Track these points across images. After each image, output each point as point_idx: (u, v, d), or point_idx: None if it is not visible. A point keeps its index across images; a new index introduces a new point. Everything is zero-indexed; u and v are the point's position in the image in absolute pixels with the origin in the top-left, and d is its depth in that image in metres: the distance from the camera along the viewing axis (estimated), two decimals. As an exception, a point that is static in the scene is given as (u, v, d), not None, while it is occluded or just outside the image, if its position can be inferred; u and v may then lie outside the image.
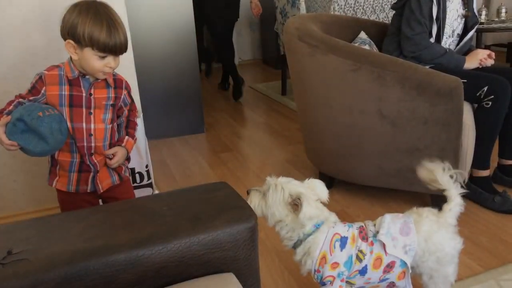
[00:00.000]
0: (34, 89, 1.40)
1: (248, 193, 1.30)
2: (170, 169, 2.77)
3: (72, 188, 1.50)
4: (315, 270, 1.25)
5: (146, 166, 2.04)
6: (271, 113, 3.86)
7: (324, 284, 1.25)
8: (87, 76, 1.42)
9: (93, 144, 1.47)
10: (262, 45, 6.30)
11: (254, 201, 1.27)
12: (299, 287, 1.60)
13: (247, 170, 2.68)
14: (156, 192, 2.18)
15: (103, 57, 1.35)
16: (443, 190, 1.27)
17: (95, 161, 1.49)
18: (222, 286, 0.92)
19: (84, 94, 1.43)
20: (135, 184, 2.03)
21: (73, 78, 1.40)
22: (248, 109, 4.05)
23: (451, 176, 1.25)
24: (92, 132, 1.46)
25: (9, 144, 1.31)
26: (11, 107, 1.36)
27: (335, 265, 1.22)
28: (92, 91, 1.44)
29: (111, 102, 1.48)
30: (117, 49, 1.35)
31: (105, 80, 1.46)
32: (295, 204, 1.23)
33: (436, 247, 1.23)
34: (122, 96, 1.52)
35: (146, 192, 2.06)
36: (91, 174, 1.51)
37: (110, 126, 1.50)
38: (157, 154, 3.04)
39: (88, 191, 1.52)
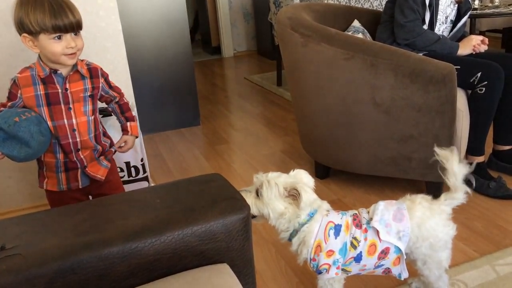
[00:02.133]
0: (11, 95, 1.39)
1: None
2: (166, 162, 2.77)
3: (64, 187, 1.50)
4: (311, 259, 1.26)
5: (141, 160, 2.04)
6: (267, 104, 3.85)
7: (320, 272, 1.25)
8: (59, 71, 1.39)
9: (78, 139, 1.45)
10: (256, 36, 6.27)
11: (249, 202, 1.25)
12: (296, 276, 1.61)
13: (243, 162, 2.68)
14: (152, 185, 2.18)
15: (59, 38, 1.32)
16: (448, 179, 1.25)
17: (81, 156, 1.48)
18: (216, 276, 0.92)
19: (59, 90, 1.40)
20: (131, 178, 2.03)
21: (45, 75, 1.38)
22: (244, 101, 4.04)
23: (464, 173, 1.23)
24: (75, 127, 1.44)
25: None
26: None
27: (330, 252, 1.23)
28: (67, 86, 1.41)
29: (89, 93, 1.46)
30: (68, 26, 1.32)
31: (79, 72, 1.43)
32: (292, 195, 1.24)
33: (429, 233, 1.23)
34: (100, 85, 1.49)
35: (142, 185, 2.06)
36: (79, 170, 1.50)
37: (93, 117, 1.48)
38: (153, 147, 3.04)
39: (81, 186, 1.52)
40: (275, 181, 1.24)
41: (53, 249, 0.86)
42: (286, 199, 1.25)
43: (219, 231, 0.96)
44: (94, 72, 1.48)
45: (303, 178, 1.29)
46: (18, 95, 1.38)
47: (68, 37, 1.34)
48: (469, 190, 1.26)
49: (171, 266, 0.93)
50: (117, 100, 1.59)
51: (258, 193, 1.26)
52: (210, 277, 0.91)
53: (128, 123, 1.62)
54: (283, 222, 1.27)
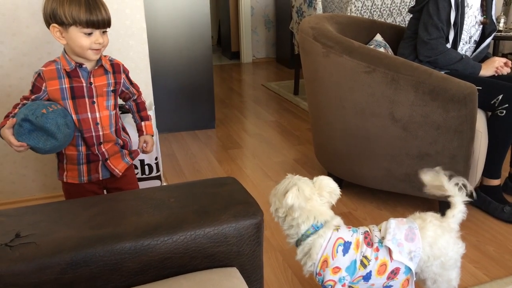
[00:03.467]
0: (35, 88, 1.40)
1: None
2: (179, 163, 2.78)
3: (85, 179, 1.52)
4: (316, 273, 1.25)
5: (156, 159, 2.05)
6: (282, 112, 3.85)
7: (325, 287, 1.24)
8: (84, 66, 1.42)
9: (101, 133, 1.48)
10: (276, 44, 6.30)
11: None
12: (302, 286, 1.60)
13: (255, 167, 2.68)
14: (165, 184, 2.19)
15: (89, 34, 1.35)
16: (448, 196, 1.27)
17: (103, 150, 1.50)
18: (226, 279, 0.92)
19: (84, 84, 1.43)
20: (144, 176, 2.04)
21: (71, 69, 1.40)
22: (259, 107, 4.05)
23: (457, 184, 1.25)
24: (98, 120, 1.47)
25: (18, 145, 1.32)
26: (16, 110, 1.37)
27: (337, 269, 1.22)
28: (92, 80, 1.44)
29: (111, 88, 1.49)
30: (100, 23, 1.36)
31: (103, 67, 1.46)
32: None
33: (441, 252, 1.22)
34: (122, 81, 1.52)
35: (154, 184, 2.07)
36: (100, 162, 1.52)
37: (114, 112, 1.52)
38: (167, 147, 3.06)
39: (101, 178, 1.54)
40: (290, 181, 1.26)
41: (67, 240, 0.87)
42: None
43: (231, 234, 0.96)
44: (116, 68, 1.51)
45: (325, 186, 1.28)
46: (43, 88, 1.40)
47: (97, 33, 1.37)
48: (467, 197, 1.27)
49: (181, 266, 0.94)
50: (135, 97, 1.61)
51: None
52: (220, 280, 0.91)
53: (143, 123, 1.65)
54: (285, 225, 1.28)
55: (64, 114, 1.38)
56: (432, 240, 1.22)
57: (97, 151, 1.49)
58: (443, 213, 1.31)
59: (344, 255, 1.22)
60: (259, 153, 2.92)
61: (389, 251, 1.22)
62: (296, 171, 2.59)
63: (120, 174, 1.56)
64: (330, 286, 1.23)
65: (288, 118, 3.66)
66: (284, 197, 1.23)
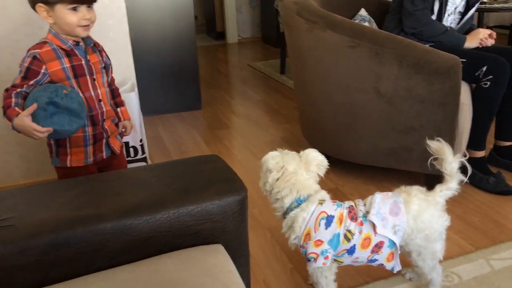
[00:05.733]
0: (30, 72, 1.34)
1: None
2: (165, 145, 2.76)
3: (91, 160, 1.50)
4: (300, 246, 1.26)
5: (141, 141, 2.03)
6: (269, 91, 3.83)
7: (308, 260, 1.25)
8: (80, 44, 1.42)
9: (104, 109, 1.49)
10: (261, 23, 6.22)
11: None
12: (290, 262, 1.61)
13: (243, 147, 2.67)
14: (151, 166, 2.17)
15: (75, 9, 1.34)
16: (442, 172, 1.26)
17: (106, 126, 1.51)
18: (210, 256, 0.92)
19: (84, 62, 1.42)
20: (129, 158, 2.02)
21: (69, 48, 1.39)
22: (246, 87, 4.02)
23: (457, 163, 1.24)
24: (101, 97, 1.47)
25: (45, 131, 1.28)
26: (15, 100, 1.30)
27: (319, 242, 1.23)
28: (88, 57, 1.44)
29: (103, 65, 1.50)
30: None
31: (93, 45, 1.47)
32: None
33: (425, 225, 1.23)
34: (104, 59, 1.53)
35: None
36: (104, 141, 1.52)
37: (108, 89, 1.53)
38: (153, 129, 3.03)
39: (105, 157, 1.54)
40: (275, 155, 1.28)
41: (47, 222, 0.86)
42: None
43: (215, 212, 0.95)
44: (98, 46, 1.52)
45: (312, 159, 1.29)
46: (42, 71, 1.34)
47: (83, 9, 1.35)
48: (464, 179, 1.26)
49: (165, 245, 0.93)
50: (109, 83, 1.60)
51: None
52: (204, 257, 0.91)
53: (119, 109, 1.64)
54: (271, 195, 1.28)
55: (78, 93, 1.38)
56: (416, 214, 1.23)
57: (102, 129, 1.49)
58: (429, 187, 1.31)
59: (326, 228, 1.23)
60: (246, 133, 2.91)
61: (373, 226, 1.23)
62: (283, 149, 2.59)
63: (119, 151, 1.58)
64: (313, 259, 1.24)
65: (275, 97, 3.64)
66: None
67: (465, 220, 1.80)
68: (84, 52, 1.43)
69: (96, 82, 1.46)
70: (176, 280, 0.83)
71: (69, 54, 1.39)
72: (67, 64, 1.38)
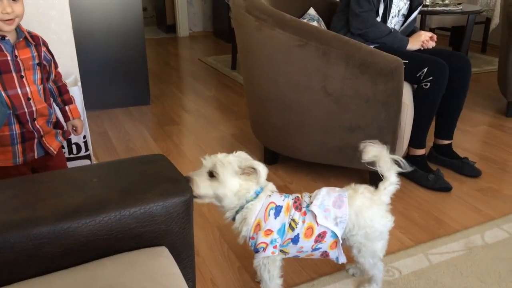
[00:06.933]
0: None
1: (189, 179, 1.23)
2: (111, 141, 2.68)
3: (20, 160, 1.42)
4: (250, 237, 1.28)
5: (84, 137, 1.95)
6: (220, 87, 3.81)
7: (257, 250, 1.27)
8: (6, 38, 1.32)
9: (34, 108, 1.40)
10: (213, 17, 6.17)
11: (204, 185, 1.23)
12: (238, 260, 1.61)
13: (192, 144, 2.64)
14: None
15: None
16: (378, 167, 1.30)
17: (38, 126, 1.42)
18: (153, 259, 0.90)
19: (9, 58, 1.33)
20: (72, 156, 1.95)
21: None
22: (197, 82, 3.97)
23: (392, 160, 1.29)
24: (30, 95, 1.38)
25: None
26: None
27: (269, 232, 1.25)
28: (16, 53, 1.35)
29: (36, 62, 1.41)
30: None
31: (26, 39, 1.38)
32: (247, 173, 1.25)
33: (366, 223, 1.27)
34: (43, 54, 1.44)
35: (84, 163, 1.98)
36: (36, 140, 1.44)
37: (42, 86, 1.44)
38: (99, 125, 2.93)
39: (36, 157, 1.46)
40: (229, 161, 1.24)
41: (-23, 227, 0.81)
42: (242, 176, 1.25)
43: (159, 213, 0.93)
44: (36, 40, 1.43)
45: (248, 159, 1.29)
46: None
47: (4, 2, 1.26)
48: (399, 168, 1.30)
49: (106, 248, 0.90)
50: (54, 77, 1.53)
51: (210, 174, 1.24)
52: (147, 260, 0.88)
53: (67, 107, 1.58)
54: (234, 199, 1.27)
55: None
56: (358, 209, 1.27)
57: (32, 128, 1.40)
58: (373, 184, 1.35)
59: (275, 218, 1.26)
60: (196, 129, 2.88)
61: (315, 216, 1.26)
62: (233, 146, 2.59)
63: (55, 152, 1.50)
64: (262, 249, 1.26)
65: (226, 93, 3.63)
66: (236, 177, 1.25)
67: (406, 216, 1.88)
68: (12, 47, 1.33)
69: (24, 79, 1.36)
70: (115, 284, 0.80)
71: None
72: None
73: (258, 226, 1.26)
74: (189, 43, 5.85)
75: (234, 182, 1.24)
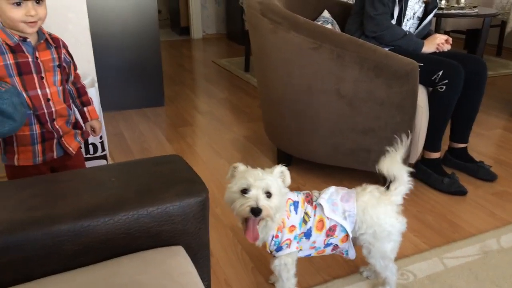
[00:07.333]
0: None
1: (261, 209, 1.14)
2: (126, 142, 2.71)
3: (40, 160, 1.45)
4: (273, 236, 1.27)
5: (100, 138, 1.98)
6: (233, 89, 3.83)
7: (280, 249, 1.27)
8: (28, 40, 1.34)
9: (53, 109, 1.42)
10: (227, 19, 6.20)
11: (267, 206, 1.16)
12: (251, 261, 1.62)
13: (206, 145, 2.66)
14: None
15: (18, 4, 1.27)
16: (391, 173, 1.30)
17: (57, 126, 1.45)
18: (170, 258, 0.91)
19: (30, 59, 1.35)
20: (88, 156, 1.98)
21: (14, 44, 1.32)
22: (210, 84, 4.00)
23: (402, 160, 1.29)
24: (49, 96, 1.41)
25: None
26: None
27: (293, 228, 1.27)
28: (37, 55, 1.37)
29: (57, 63, 1.43)
30: None
31: (47, 41, 1.40)
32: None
33: (373, 220, 1.27)
34: (63, 56, 1.47)
35: (100, 163, 2.01)
36: (55, 140, 1.46)
37: (61, 87, 1.46)
38: (114, 126, 2.97)
39: (56, 157, 1.48)
40: (273, 175, 1.22)
41: (-1, 224, 0.83)
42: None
43: (176, 213, 0.95)
44: (56, 42, 1.45)
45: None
46: None
47: (29, 5, 1.29)
48: (411, 169, 1.31)
49: (124, 247, 0.92)
50: (73, 79, 1.55)
51: (268, 195, 1.18)
52: (164, 259, 0.90)
53: (85, 108, 1.61)
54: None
55: (17, 93, 1.30)
56: (364, 206, 1.28)
57: (51, 128, 1.43)
58: (386, 186, 1.35)
59: (296, 213, 1.28)
60: (209, 130, 2.90)
61: (323, 209, 1.28)
62: (246, 148, 2.60)
63: (74, 152, 1.52)
64: (286, 245, 1.27)
65: (239, 95, 3.64)
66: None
67: (420, 219, 1.87)
68: (33, 48, 1.36)
69: (44, 80, 1.39)
70: (134, 282, 0.82)
71: (14, 50, 1.32)
72: (10, 61, 1.32)
73: (281, 223, 1.27)
74: (202, 45, 5.89)
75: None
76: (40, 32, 1.38)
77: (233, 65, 4.60)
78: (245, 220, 1.20)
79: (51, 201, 0.91)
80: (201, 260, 1.04)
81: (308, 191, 1.36)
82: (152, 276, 0.84)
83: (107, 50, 3.05)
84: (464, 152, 2.27)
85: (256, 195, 1.15)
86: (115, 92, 3.18)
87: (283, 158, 2.33)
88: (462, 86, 1.97)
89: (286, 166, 1.29)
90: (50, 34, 1.44)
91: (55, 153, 1.48)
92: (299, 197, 1.32)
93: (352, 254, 1.34)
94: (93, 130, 1.64)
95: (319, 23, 2.38)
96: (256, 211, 1.14)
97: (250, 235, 1.20)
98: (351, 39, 1.84)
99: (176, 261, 0.90)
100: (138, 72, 3.22)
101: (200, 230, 1.01)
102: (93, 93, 1.89)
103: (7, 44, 1.32)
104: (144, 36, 3.14)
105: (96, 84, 1.98)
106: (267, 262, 1.59)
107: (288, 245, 1.27)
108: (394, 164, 1.28)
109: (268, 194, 1.17)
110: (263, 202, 1.15)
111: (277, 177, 1.23)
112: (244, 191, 1.16)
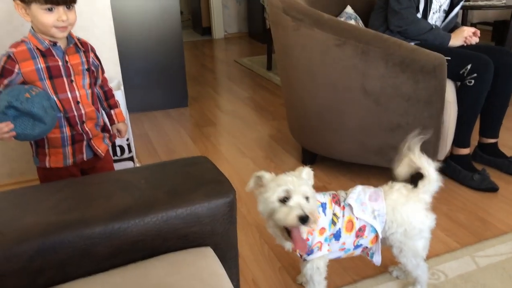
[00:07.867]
0: (4, 71, 1.33)
1: (308, 216, 1.11)
2: (152, 143, 2.74)
3: (70, 162, 1.48)
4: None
5: (127, 140, 2.01)
6: (256, 88, 3.83)
7: (312, 252, 1.26)
8: (58, 44, 1.38)
9: (83, 112, 1.45)
10: (248, 18, 6.20)
11: (313, 208, 1.16)
12: (279, 261, 1.61)
13: (230, 145, 2.66)
14: (138, 165, 2.16)
15: (51, 10, 1.30)
16: (420, 168, 1.28)
17: (87, 128, 1.48)
18: (200, 259, 0.91)
19: (60, 63, 1.39)
20: (116, 158, 2.00)
21: (45, 48, 1.36)
22: (233, 84, 4.01)
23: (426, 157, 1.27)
24: (79, 99, 1.44)
25: (7, 131, 1.26)
26: None
27: (323, 230, 1.26)
28: (67, 58, 1.40)
29: (85, 67, 1.46)
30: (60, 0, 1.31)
31: (76, 45, 1.43)
32: None
33: (403, 219, 1.25)
34: (91, 59, 1.50)
35: (127, 165, 2.04)
36: (84, 142, 1.50)
37: (90, 91, 1.49)
38: (139, 127, 3.01)
39: (85, 159, 1.51)
40: (306, 179, 1.21)
41: (34, 227, 0.85)
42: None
43: (204, 214, 0.95)
44: (85, 46, 1.48)
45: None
46: (16, 70, 1.33)
47: (60, 10, 1.31)
48: (439, 164, 1.28)
49: (154, 248, 0.92)
50: (100, 82, 1.58)
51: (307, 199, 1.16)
52: (194, 260, 0.90)
53: (113, 111, 1.63)
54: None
55: (47, 96, 1.33)
56: (394, 204, 1.26)
57: (81, 131, 1.46)
58: (413, 184, 1.33)
59: (325, 215, 1.26)
60: (233, 130, 2.90)
61: (352, 209, 1.26)
62: (270, 147, 2.59)
63: (103, 155, 1.55)
64: (317, 248, 1.26)
65: (262, 94, 3.64)
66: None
67: (450, 218, 1.82)
68: (63, 52, 1.39)
69: (74, 84, 1.42)
70: (165, 284, 0.82)
71: (44, 54, 1.36)
72: (41, 65, 1.36)
73: None
74: (224, 44, 5.91)
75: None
76: (69, 37, 1.41)
77: (255, 63, 4.60)
78: (286, 230, 1.16)
79: (83, 204, 0.93)
80: (229, 260, 1.05)
81: (334, 192, 1.34)
82: (182, 277, 0.84)
83: (131, 52, 3.09)
84: (494, 147, 2.21)
85: (299, 203, 1.12)
86: (140, 93, 3.22)
87: (308, 156, 2.31)
88: (491, 79, 1.92)
89: (310, 164, 1.28)
90: (79, 39, 1.47)
91: (85, 155, 1.51)
92: (325, 198, 1.29)
93: (377, 260, 1.31)
94: (119, 132, 1.67)
95: (342, 19, 2.36)
96: (304, 219, 1.10)
97: (300, 244, 1.16)
98: (375, 35, 1.81)
99: (205, 262, 0.90)
100: (162, 73, 3.25)
101: (228, 230, 1.01)
102: (120, 95, 1.92)
103: (38, 48, 1.35)
104: (168, 38, 3.17)
105: (122, 87, 2.01)
106: (294, 262, 1.58)
107: (319, 248, 1.26)
108: (417, 161, 1.25)
109: (307, 199, 1.15)
110: (308, 208, 1.12)
111: (307, 179, 1.22)
112: (284, 199, 1.13)
